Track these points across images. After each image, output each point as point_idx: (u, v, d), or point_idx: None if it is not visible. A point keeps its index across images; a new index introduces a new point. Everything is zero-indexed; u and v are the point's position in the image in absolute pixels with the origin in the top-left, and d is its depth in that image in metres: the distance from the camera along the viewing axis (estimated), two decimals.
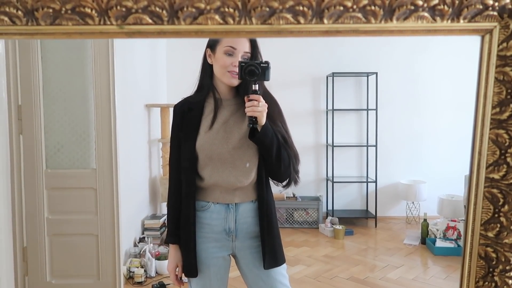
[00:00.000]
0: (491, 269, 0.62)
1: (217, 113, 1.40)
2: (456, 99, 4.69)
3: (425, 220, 3.95)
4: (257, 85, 1.29)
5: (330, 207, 4.71)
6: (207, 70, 1.44)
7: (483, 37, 0.57)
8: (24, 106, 2.54)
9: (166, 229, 1.51)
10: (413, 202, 4.64)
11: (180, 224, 1.43)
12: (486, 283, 0.63)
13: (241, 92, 1.40)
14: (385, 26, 0.52)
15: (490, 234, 0.62)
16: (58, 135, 2.60)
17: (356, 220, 4.67)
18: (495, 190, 0.62)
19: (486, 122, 0.60)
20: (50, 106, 2.57)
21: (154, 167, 4.14)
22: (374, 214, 4.55)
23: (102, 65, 2.50)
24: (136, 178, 3.64)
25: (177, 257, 1.46)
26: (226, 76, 1.37)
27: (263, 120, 1.30)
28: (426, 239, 3.85)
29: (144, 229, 3.71)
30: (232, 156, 1.38)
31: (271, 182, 1.48)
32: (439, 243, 3.67)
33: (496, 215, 0.62)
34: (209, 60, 1.42)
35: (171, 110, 3.96)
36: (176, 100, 1.52)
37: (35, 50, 2.50)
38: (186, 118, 1.43)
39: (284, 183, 1.46)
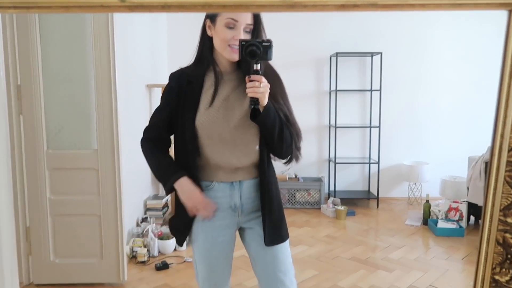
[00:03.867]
0: (509, 256, 0.60)
1: (217, 88, 1.34)
2: (461, 80, 4.63)
3: (427, 201, 3.95)
4: (258, 65, 1.23)
5: (332, 188, 4.70)
6: (206, 42, 1.36)
7: (510, 12, 0.53)
8: (23, 86, 2.50)
9: (162, 179, 1.40)
10: (415, 183, 4.64)
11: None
12: (504, 270, 0.61)
13: (242, 67, 1.35)
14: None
15: (510, 220, 0.60)
16: (59, 116, 2.56)
17: (358, 201, 4.67)
18: None
19: (510, 103, 0.56)
20: (50, 86, 2.53)
21: None
22: (376, 195, 4.55)
23: (102, 44, 2.44)
24: (137, 159, 3.61)
25: (194, 187, 1.35)
26: (227, 51, 1.31)
27: (265, 101, 1.26)
28: (428, 220, 3.86)
29: (147, 209, 3.72)
30: (233, 136, 1.34)
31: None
32: (441, 224, 3.67)
33: None
34: (208, 32, 1.35)
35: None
36: None
37: (33, 28, 2.44)
38: (185, 92, 1.36)
39: (285, 160, 1.44)
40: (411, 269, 2.95)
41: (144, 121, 4.10)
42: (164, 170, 1.40)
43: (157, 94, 4.06)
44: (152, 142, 1.44)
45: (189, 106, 1.35)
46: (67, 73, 2.53)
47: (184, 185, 1.34)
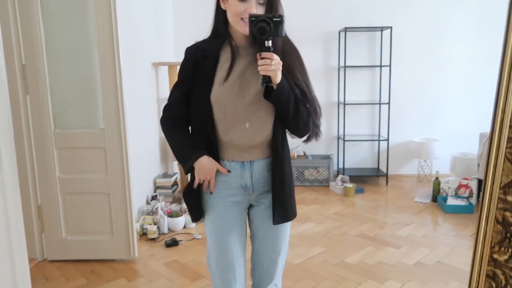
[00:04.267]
0: (508, 235, 0.59)
1: (234, 63, 1.31)
2: (473, 56, 4.49)
3: (437, 178, 3.91)
4: (270, 41, 1.19)
5: (341, 166, 4.68)
6: (220, 15, 1.33)
7: None
8: (28, 65, 2.50)
9: (181, 158, 1.41)
10: (425, 160, 4.59)
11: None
12: (503, 248, 0.59)
13: (257, 42, 1.28)
14: None
15: (510, 198, 0.58)
16: (65, 95, 2.57)
17: (367, 179, 4.65)
18: None
19: None
20: (54, 64, 2.53)
21: None
22: (385, 172, 4.52)
23: (104, 22, 2.41)
24: (146, 138, 3.64)
25: (212, 161, 1.35)
26: (240, 24, 1.26)
27: (277, 78, 1.22)
28: (437, 197, 3.83)
29: (156, 188, 3.76)
30: (248, 113, 1.31)
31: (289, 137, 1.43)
32: (451, 201, 3.64)
33: None
34: (222, 5, 1.31)
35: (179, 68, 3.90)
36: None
37: (35, 6, 2.41)
38: (200, 66, 1.33)
39: (304, 138, 1.41)
40: (419, 246, 2.95)
41: (151, 100, 4.13)
42: (184, 150, 1.39)
43: (164, 72, 4.04)
44: (172, 121, 1.42)
45: (204, 81, 1.32)
46: (70, 51, 2.52)
47: (205, 162, 1.34)
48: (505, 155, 0.56)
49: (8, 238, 1.52)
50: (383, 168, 4.66)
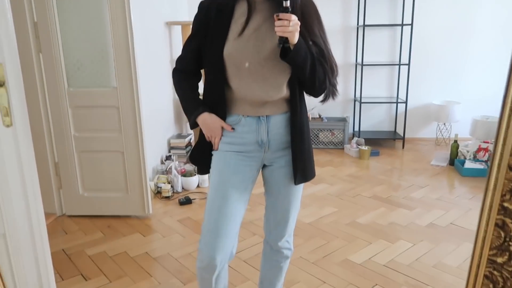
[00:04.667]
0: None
1: (250, 17, 1.27)
2: (499, 16, 4.25)
3: (455, 141, 3.82)
4: (288, 1, 1.14)
5: (356, 128, 4.62)
6: None
7: None
8: (40, 23, 2.48)
9: (186, 112, 1.42)
10: (444, 124, 4.47)
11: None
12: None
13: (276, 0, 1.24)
14: None
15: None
16: (77, 53, 2.56)
17: (383, 142, 4.59)
18: None
19: None
20: (66, 23, 2.50)
21: None
22: (402, 135, 4.44)
23: None
24: (160, 98, 3.63)
25: (215, 118, 1.35)
26: None
27: (294, 39, 1.18)
28: (455, 160, 3.76)
29: (170, 148, 3.79)
30: (262, 68, 1.27)
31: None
32: (468, 164, 3.57)
33: None
34: None
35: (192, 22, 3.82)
36: None
37: None
38: (214, 21, 1.30)
39: (320, 98, 1.38)
40: (433, 208, 2.93)
41: (164, 59, 4.09)
42: (189, 104, 1.40)
43: (177, 31, 3.97)
44: (181, 74, 1.42)
45: (217, 35, 1.29)
46: (81, 9, 2.48)
47: (205, 119, 1.35)
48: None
49: (24, 193, 1.55)
50: (400, 131, 4.58)
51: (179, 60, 1.43)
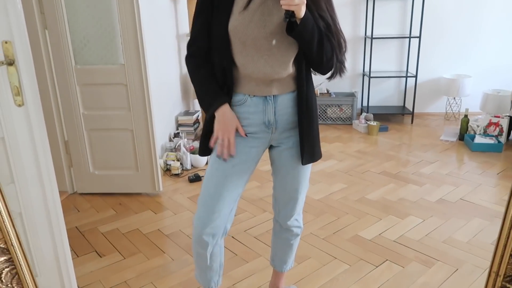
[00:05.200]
0: None
1: None
2: None
3: (465, 116, 3.77)
4: None
5: (365, 104, 4.57)
6: None
7: None
8: None
9: (203, 103, 1.34)
10: (454, 98, 4.41)
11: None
12: None
13: None
14: None
15: None
16: (83, 30, 2.52)
17: (391, 117, 4.55)
18: None
19: None
20: None
21: (184, 63, 4.05)
22: (411, 110, 4.39)
23: None
24: (167, 75, 3.60)
25: (233, 116, 1.30)
26: None
27: (301, 13, 1.14)
28: (464, 135, 3.73)
29: (178, 125, 3.79)
30: (269, 43, 1.23)
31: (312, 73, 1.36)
32: (478, 139, 3.54)
33: None
34: None
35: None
36: None
37: None
38: None
39: (328, 75, 1.35)
40: (443, 183, 2.92)
41: (171, 34, 4.02)
42: (206, 96, 1.32)
43: (183, 6, 3.89)
44: (195, 60, 1.33)
45: (222, 9, 1.24)
46: None
47: (223, 115, 1.29)
48: None
49: (38, 172, 1.56)
50: (409, 106, 4.52)
51: (190, 44, 1.34)
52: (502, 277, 0.65)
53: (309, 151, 1.37)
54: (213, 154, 1.38)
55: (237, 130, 1.32)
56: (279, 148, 1.41)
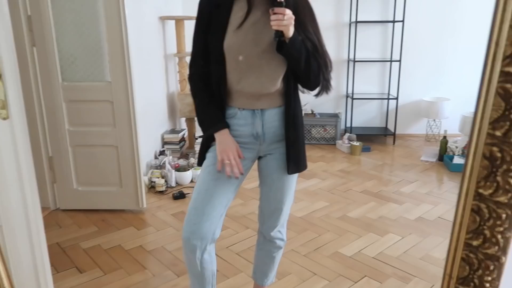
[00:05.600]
0: (494, 169, 0.60)
1: (249, 11, 1.30)
2: (488, 13, 4.31)
3: (444, 137, 3.89)
4: None
5: (348, 124, 4.67)
6: None
7: None
8: (33, 16, 2.49)
9: (202, 125, 1.43)
10: (434, 120, 4.55)
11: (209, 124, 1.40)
12: (488, 183, 0.61)
13: None
14: None
15: (498, 133, 0.59)
16: (71, 47, 2.57)
17: (374, 138, 4.65)
18: (509, 85, 0.57)
19: (508, 6, 0.52)
20: (59, 17, 2.51)
21: (172, 83, 4.12)
22: (393, 131, 4.51)
23: None
24: (154, 93, 3.65)
25: (233, 140, 1.38)
26: None
27: (289, 33, 1.23)
28: (444, 156, 3.83)
29: (164, 143, 3.81)
30: (260, 60, 1.31)
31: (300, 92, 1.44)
32: (457, 160, 3.65)
33: (507, 113, 0.58)
34: None
35: (187, 22, 3.84)
36: (191, 12, 1.40)
37: None
38: (213, 16, 1.33)
39: (315, 92, 1.43)
40: (422, 202, 2.99)
41: (158, 54, 4.08)
42: (206, 118, 1.40)
43: (171, 26, 3.98)
44: (197, 81, 1.40)
45: (217, 29, 1.32)
46: (75, 3, 2.49)
47: (223, 138, 1.37)
48: (496, 90, 0.56)
49: (21, 185, 1.58)
50: (391, 127, 4.64)
51: (191, 65, 1.42)
52: (455, 279, 0.70)
53: (294, 161, 1.43)
54: (206, 161, 1.44)
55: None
56: (266, 158, 1.47)
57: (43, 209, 2.79)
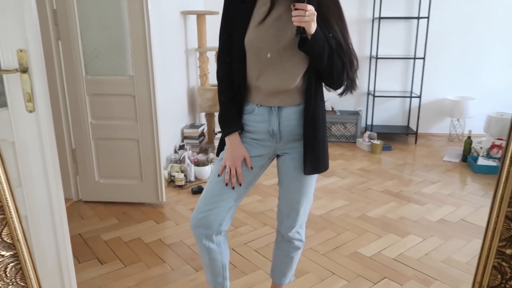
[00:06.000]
0: None
1: (272, 6, 1.29)
2: None
3: (469, 137, 3.79)
4: None
5: (369, 122, 4.60)
6: None
7: None
8: (59, 11, 2.53)
9: (220, 124, 1.44)
10: (458, 119, 4.43)
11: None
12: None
13: None
14: None
15: None
16: (94, 42, 2.60)
17: (395, 136, 4.57)
18: None
19: None
20: (84, 11, 2.54)
21: (192, 77, 4.14)
22: (415, 130, 4.42)
23: None
24: (174, 88, 3.67)
25: (242, 147, 1.39)
26: None
27: (311, 29, 1.20)
28: (467, 156, 3.74)
29: (184, 138, 3.84)
30: (281, 57, 1.30)
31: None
32: (481, 161, 3.55)
33: None
34: None
35: (208, 17, 3.84)
36: (213, 7, 1.41)
37: None
38: (238, 11, 1.33)
39: (339, 91, 1.40)
40: (444, 204, 2.93)
41: (179, 49, 4.11)
42: (225, 117, 1.41)
43: (192, 21, 3.99)
44: (223, 78, 1.40)
45: (240, 24, 1.32)
46: None
47: (232, 145, 1.39)
48: None
49: (45, 177, 1.61)
50: (413, 126, 4.55)
51: (219, 58, 1.41)
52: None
53: (312, 161, 1.40)
54: (222, 154, 1.46)
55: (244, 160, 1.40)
56: (283, 157, 1.46)
57: (66, 200, 2.83)
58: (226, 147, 1.41)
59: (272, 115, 1.37)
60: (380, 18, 4.18)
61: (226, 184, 1.40)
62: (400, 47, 4.48)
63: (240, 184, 1.40)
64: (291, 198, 1.48)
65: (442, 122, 4.63)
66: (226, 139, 1.41)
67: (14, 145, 1.52)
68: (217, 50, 1.47)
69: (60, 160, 1.75)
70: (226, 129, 1.40)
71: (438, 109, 4.58)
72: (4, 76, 1.46)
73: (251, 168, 1.40)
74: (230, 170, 1.39)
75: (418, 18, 4.23)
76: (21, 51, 1.45)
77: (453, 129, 4.51)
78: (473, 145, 3.80)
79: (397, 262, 2.19)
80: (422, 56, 4.23)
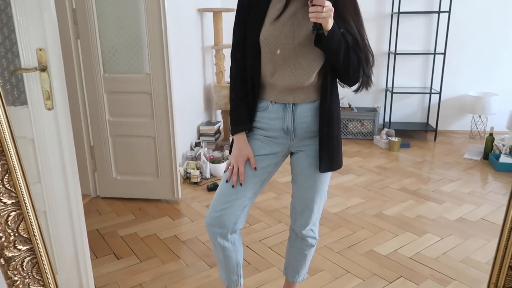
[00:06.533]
0: None
1: (288, 3, 1.28)
2: None
3: (491, 134, 3.69)
4: None
5: (387, 119, 4.54)
6: None
7: None
8: (78, 10, 2.57)
9: (230, 121, 1.45)
10: (479, 116, 4.32)
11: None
12: None
13: None
14: None
15: None
16: (112, 40, 2.64)
17: (414, 133, 4.49)
18: None
19: None
20: (102, 10, 2.58)
21: (208, 75, 4.16)
22: (434, 127, 4.33)
23: None
24: (191, 86, 3.69)
25: (247, 147, 1.40)
26: None
27: (328, 26, 1.19)
28: (489, 154, 3.64)
29: (200, 135, 3.86)
30: (296, 53, 1.29)
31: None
32: (503, 159, 3.45)
33: None
34: None
35: (225, 15, 3.85)
36: (230, 4, 1.40)
37: None
38: (253, 8, 1.33)
39: (354, 88, 1.39)
40: (463, 202, 2.86)
41: (196, 46, 4.12)
42: (235, 113, 1.41)
43: (209, 19, 4.00)
44: (236, 75, 1.41)
45: (255, 20, 1.32)
46: None
47: (239, 144, 1.40)
48: None
49: (64, 173, 1.64)
50: (432, 123, 4.46)
51: (232, 55, 1.41)
52: None
53: (327, 158, 1.39)
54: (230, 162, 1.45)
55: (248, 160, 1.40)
56: (298, 155, 1.45)
57: (84, 196, 2.91)
58: (233, 146, 1.42)
59: (287, 112, 1.37)
60: (399, 12, 4.11)
61: (227, 181, 1.40)
62: (419, 42, 4.39)
63: (241, 184, 1.39)
64: (305, 196, 1.48)
65: (463, 119, 4.53)
66: (234, 137, 1.41)
67: (34, 142, 1.56)
68: None
69: (79, 157, 1.79)
70: (234, 127, 1.41)
71: (459, 105, 4.47)
72: (24, 74, 1.50)
73: (255, 169, 1.40)
74: (233, 168, 1.40)
75: (439, 12, 4.13)
76: (40, 50, 1.48)
77: (474, 126, 4.40)
78: (495, 142, 3.70)
79: (413, 261, 2.16)
80: (443, 51, 4.14)
